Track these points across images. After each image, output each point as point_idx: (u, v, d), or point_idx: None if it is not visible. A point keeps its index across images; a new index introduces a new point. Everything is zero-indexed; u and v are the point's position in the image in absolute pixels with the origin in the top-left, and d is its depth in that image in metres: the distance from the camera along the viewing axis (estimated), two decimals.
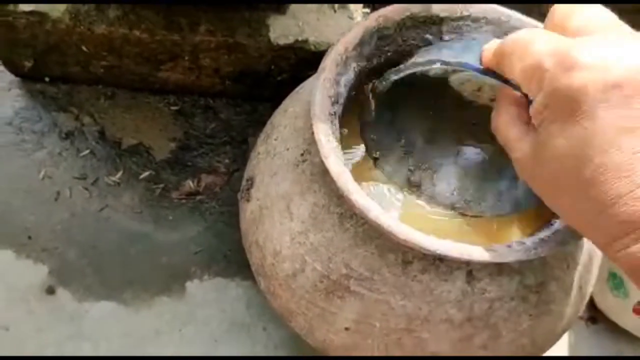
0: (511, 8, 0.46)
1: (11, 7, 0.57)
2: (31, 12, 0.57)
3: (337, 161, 0.38)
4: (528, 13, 0.46)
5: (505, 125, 0.35)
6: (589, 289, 0.46)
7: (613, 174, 0.28)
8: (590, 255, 0.45)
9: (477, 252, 0.36)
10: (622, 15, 0.32)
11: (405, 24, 0.45)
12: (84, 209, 0.62)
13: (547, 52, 0.30)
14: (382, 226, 0.35)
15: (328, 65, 0.41)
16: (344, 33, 0.43)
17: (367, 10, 0.67)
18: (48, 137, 0.65)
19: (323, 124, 0.39)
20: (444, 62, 0.38)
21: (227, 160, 0.66)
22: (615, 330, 0.64)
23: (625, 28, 0.32)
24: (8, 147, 0.64)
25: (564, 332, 0.45)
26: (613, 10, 0.32)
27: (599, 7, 0.32)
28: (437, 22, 0.45)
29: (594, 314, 0.66)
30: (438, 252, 0.35)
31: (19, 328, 0.57)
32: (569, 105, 0.29)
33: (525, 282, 0.40)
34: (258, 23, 0.60)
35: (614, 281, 0.59)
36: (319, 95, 0.40)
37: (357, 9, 0.62)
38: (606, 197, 0.28)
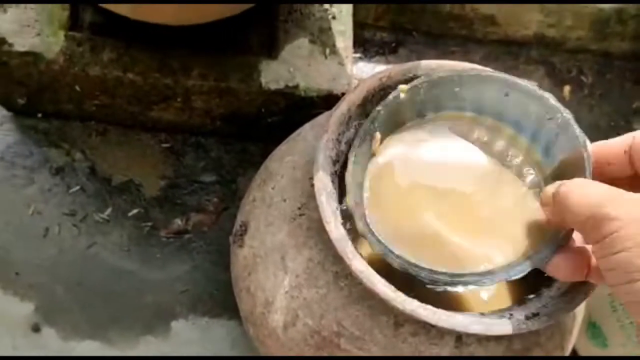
0: None
1: (5, 47, 0.58)
2: (26, 53, 0.58)
3: (337, 225, 0.38)
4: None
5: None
6: (570, 347, 0.47)
7: None
8: (574, 315, 0.46)
9: (469, 324, 0.37)
10: None
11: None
12: (72, 246, 0.63)
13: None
14: (378, 293, 0.37)
15: (331, 126, 0.42)
16: (348, 92, 0.43)
17: (358, 55, 0.68)
18: (39, 173, 0.65)
19: (325, 187, 0.40)
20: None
21: (216, 199, 0.67)
22: None
23: None
24: None
25: None
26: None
27: None
28: None
29: None
30: (433, 322, 0.36)
31: None
32: None
33: (512, 347, 0.41)
34: (250, 68, 0.61)
35: (592, 330, 0.59)
36: (321, 157, 0.40)
37: (347, 55, 0.63)
38: None
